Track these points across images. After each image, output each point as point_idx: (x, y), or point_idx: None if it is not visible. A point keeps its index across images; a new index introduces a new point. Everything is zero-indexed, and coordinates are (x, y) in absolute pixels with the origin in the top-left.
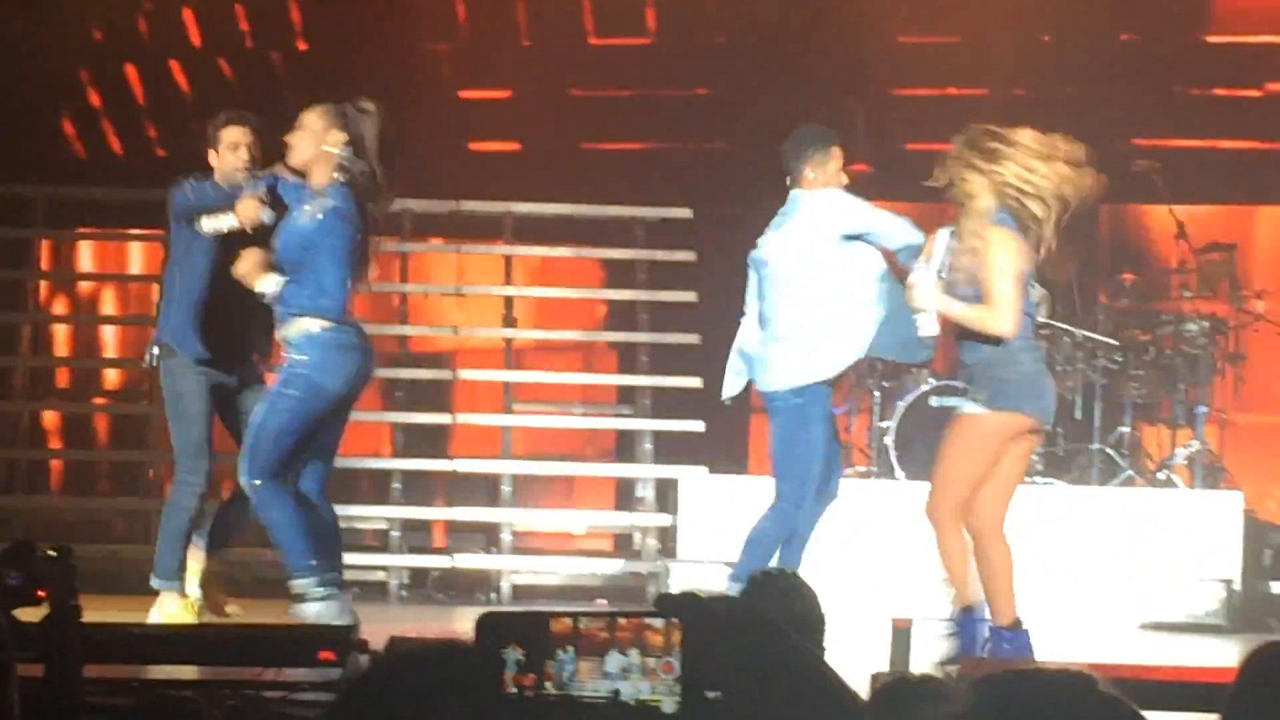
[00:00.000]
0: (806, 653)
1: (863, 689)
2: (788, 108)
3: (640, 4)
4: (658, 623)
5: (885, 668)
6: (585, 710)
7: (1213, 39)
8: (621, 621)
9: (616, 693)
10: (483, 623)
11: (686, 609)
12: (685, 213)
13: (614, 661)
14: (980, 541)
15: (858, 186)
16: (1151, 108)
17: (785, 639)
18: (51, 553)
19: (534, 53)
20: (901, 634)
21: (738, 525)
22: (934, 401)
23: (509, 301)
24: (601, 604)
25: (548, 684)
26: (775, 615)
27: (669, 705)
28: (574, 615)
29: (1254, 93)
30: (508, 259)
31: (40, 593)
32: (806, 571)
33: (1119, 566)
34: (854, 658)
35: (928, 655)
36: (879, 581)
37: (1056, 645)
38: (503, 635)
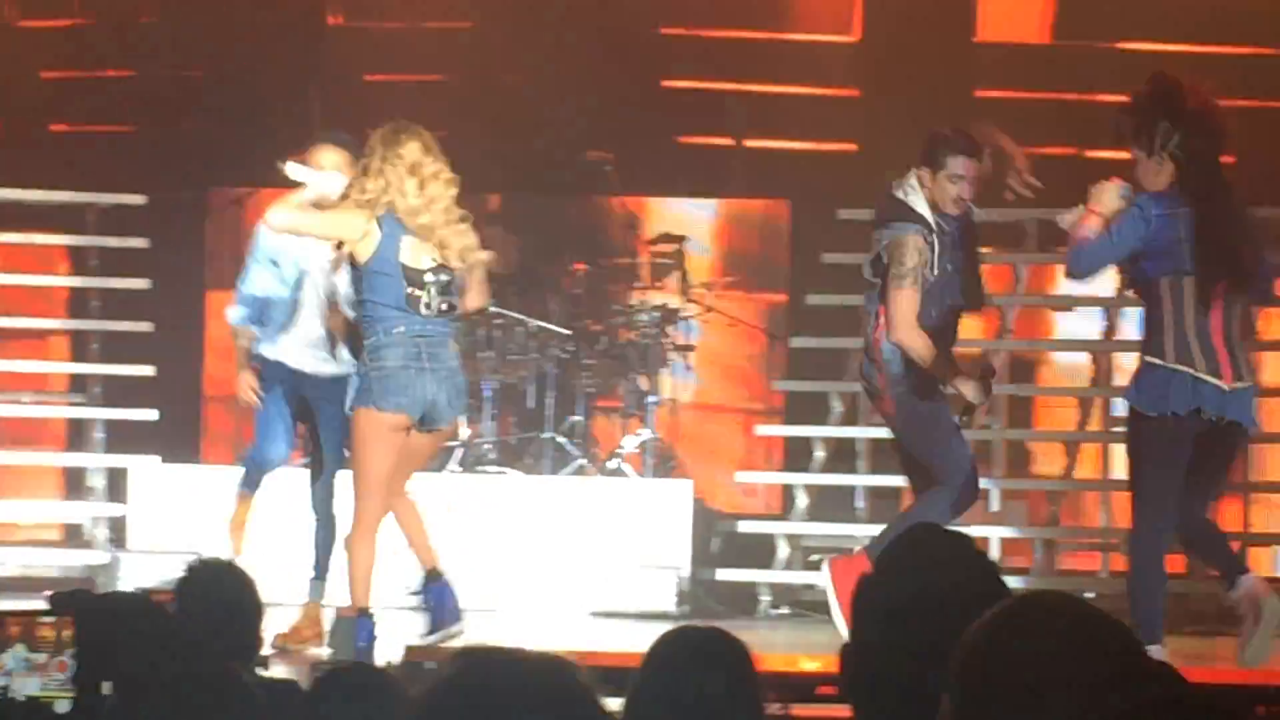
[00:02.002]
0: (192, 642)
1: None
2: (250, 93)
3: None
4: (49, 619)
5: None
6: None
7: (668, 31)
8: (10, 619)
9: (5, 689)
10: None
11: (80, 604)
12: (139, 199)
13: (4, 658)
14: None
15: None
16: (604, 99)
17: (174, 628)
18: None
19: None
20: (344, 622)
21: (190, 515)
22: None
23: None
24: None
25: None
26: (206, 604)
27: (62, 704)
28: None
29: (707, 85)
30: None
31: None
32: (253, 560)
33: (572, 555)
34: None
35: (401, 638)
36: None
37: (512, 633)
38: None
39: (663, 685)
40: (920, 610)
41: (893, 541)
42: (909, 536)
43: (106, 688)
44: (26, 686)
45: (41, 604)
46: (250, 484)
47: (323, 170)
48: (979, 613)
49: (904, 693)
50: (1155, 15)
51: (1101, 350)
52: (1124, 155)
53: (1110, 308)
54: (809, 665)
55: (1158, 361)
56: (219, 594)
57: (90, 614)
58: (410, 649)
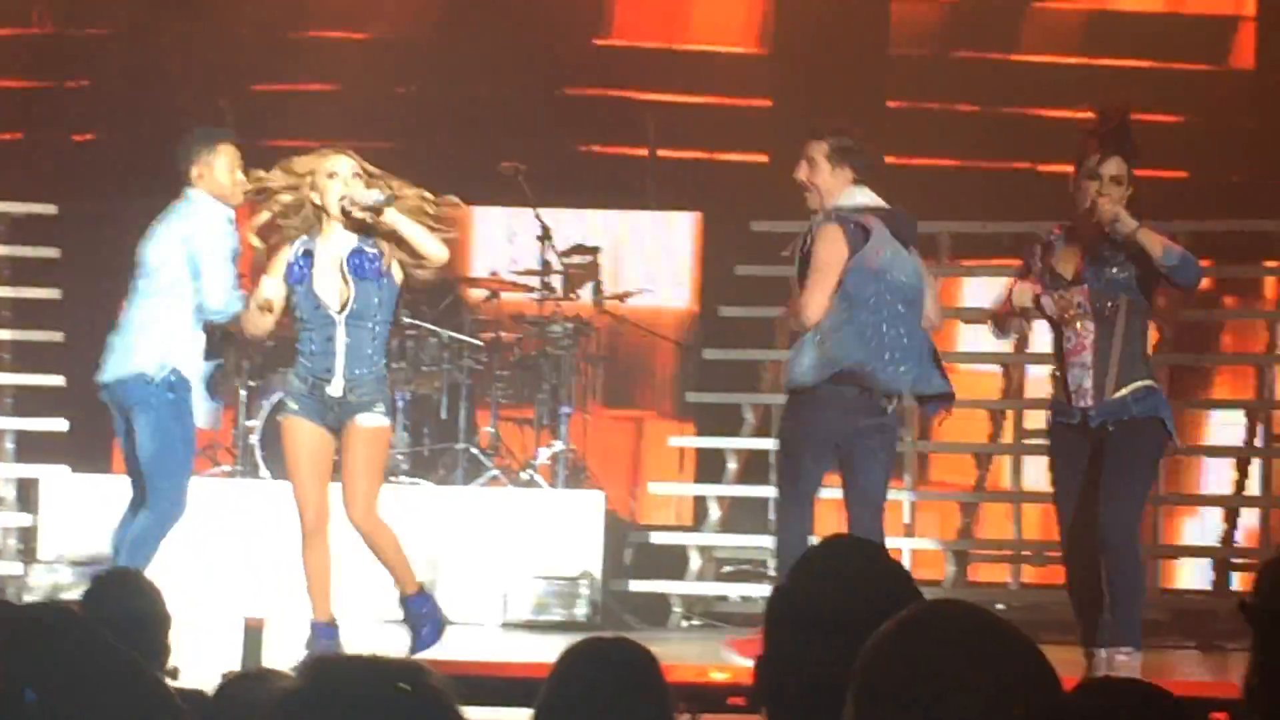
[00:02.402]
0: (113, 649)
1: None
2: (159, 103)
3: None
4: None
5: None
6: None
7: (582, 42)
8: None
9: None
10: None
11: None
12: (50, 208)
13: None
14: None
15: None
16: (517, 110)
17: (101, 642)
18: None
19: None
20: (253, 632)
21: (101, 525)
22: None
23: None
24: None
25: None
26: (114, 614)
27: None
28: None
29: (621, 95)
30: None
31: None
32: (163, 571)
33: (484, 566)
34: (212, 656)
35: (290, 652)
36: (244, 581)
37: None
38: None
39: (570, 696)
40: (832, 620)
41: (806, 552)
42: (822, 547)
43: (29, 694)
44: None
45: None
46: None
47: None
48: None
49: (816, 702)
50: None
51: (1014, 362)
52: (1033, 167)
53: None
54: (719, 676)
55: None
56: (126, 604)
57: (9, 622)
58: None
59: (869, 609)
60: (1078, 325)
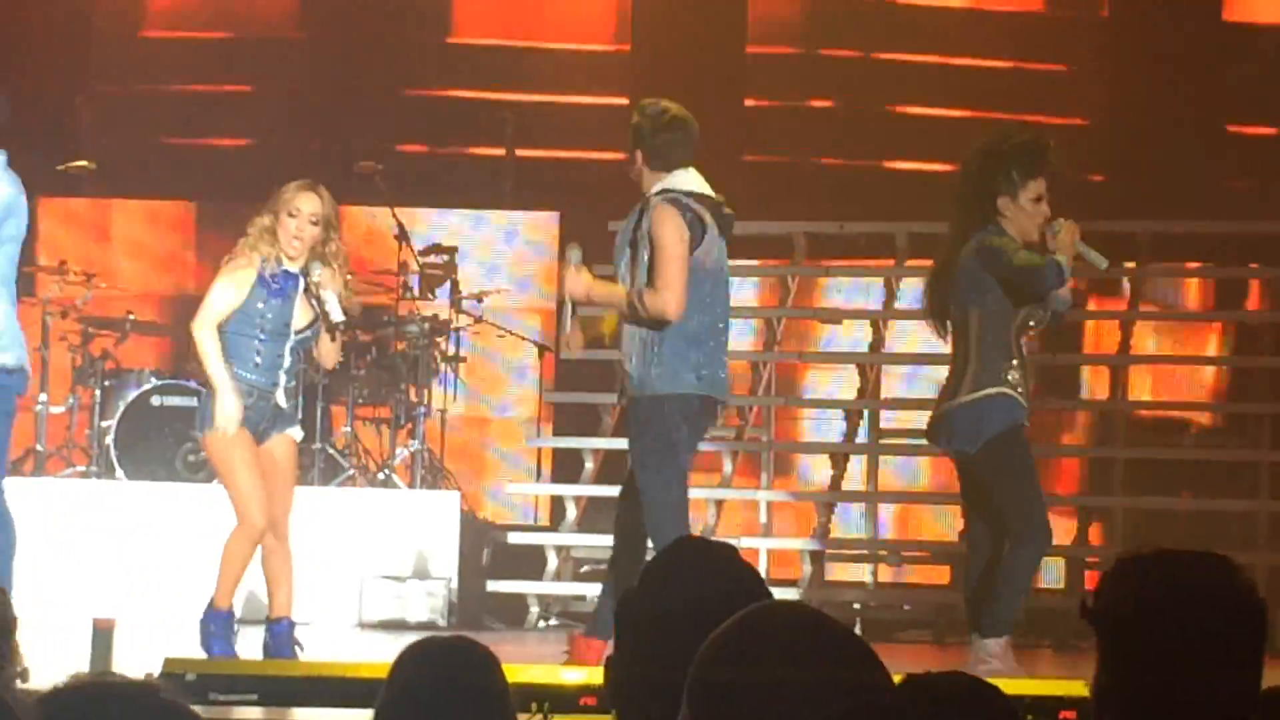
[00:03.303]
0: None
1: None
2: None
3: None
4: None
5: (87, 667)
6: None
7: (441, 40)
8: None
9: None
10: None
11: None
12: None
13: None
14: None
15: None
16: (374, 108)
17: None
18: None
19: None
20: (103, 634)
21: None
22: (155, 400)
23: None
24: None
25: None
26: None
27: None
28: None
29: (479, 95)
30: None
31: None
32: (14, 571)
33: (340, 566)
34: (62, 658)
35: (136, 653)
36: (97, 581)
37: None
38: None
39: (407, 697)
40: (681, 620)
41: (659, 553)
42: (673, 548)
43: None
44: None
45: None
46: None
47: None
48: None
49: (661, 703)
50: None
51: (869, 362)
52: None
53: (878, 320)
54: (573, 676)
55: None
56: None
57: None
58: (169, 660)
59: (713, 610)
60: (1025, 339)
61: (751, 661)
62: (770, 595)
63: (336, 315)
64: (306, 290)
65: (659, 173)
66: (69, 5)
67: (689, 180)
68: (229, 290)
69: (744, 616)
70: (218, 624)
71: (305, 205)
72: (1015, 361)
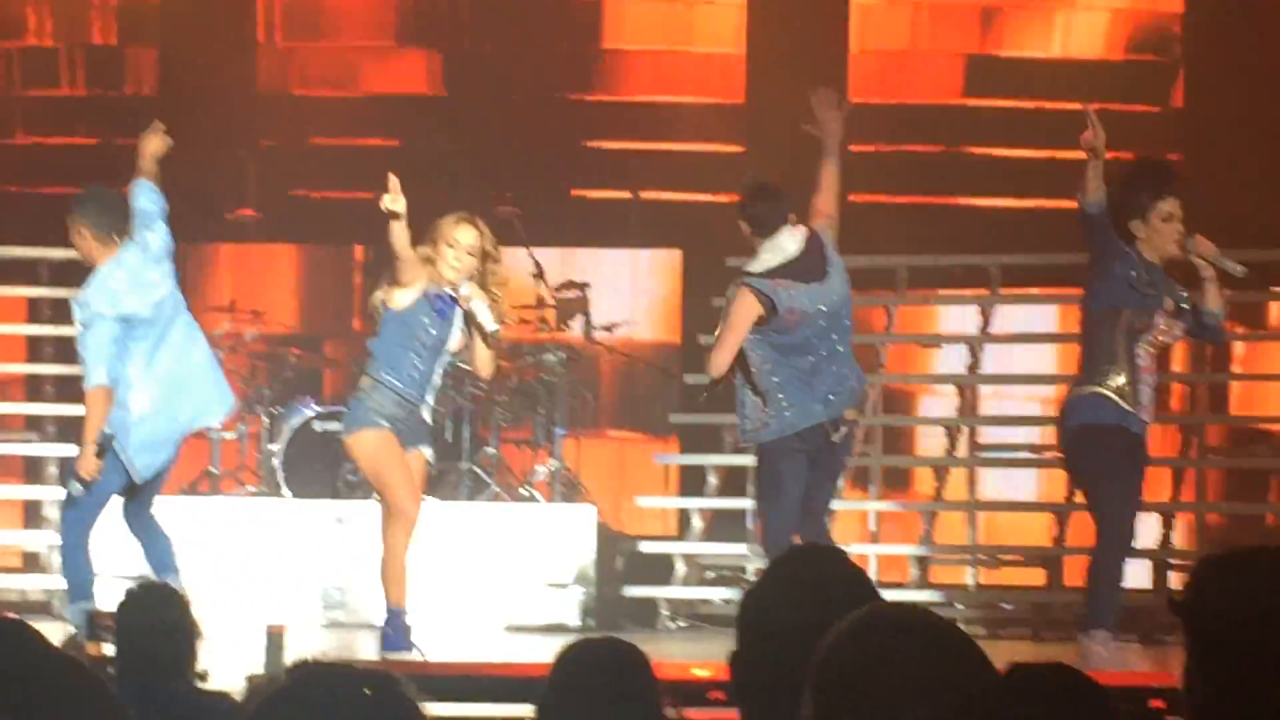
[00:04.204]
0: (69, 663)
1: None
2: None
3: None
4: None
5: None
6: None
7: (574, 96)
8: None
9: None
10: None
11: None
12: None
13: None
14: None
15: (250, 227)
16: (517, 161)
17: (46, 651)
18: None
19: None
20: (275, 638)
21: (136, 542)
22: (317, 426)
23: None
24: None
25: None
26: (147, 623)
27: None
28: None
29: (610, 144)
30: None
31: None
32: (193, 583)
33: (487, 575)
34: (239, 660)
35: (304, 655)
36: (268, 590)
37: (434, 648)
38: None
39: (568, 692)
40: (794, 622)
41: (776, 559)
42: (789, 553)
43: None
44: None
45: None
46: None
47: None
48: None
49: (781, 699)
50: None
51: (966, 383)
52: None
53: (974, 343)
54: (701, 673)
55: None
56: (158, 615)
57: None
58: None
59: (828, 611)
60: (1150, 348)
61: (869, 658)
62: (877, 595)
63: (490, 324)
64: (460, 309)
65: (758, 237)
66: (237, 69)
67: (776, 248)
68: (398, 294)
69: (861, 616)
70: (394, 624)
71: (463, 237)
72: (1121, 366)
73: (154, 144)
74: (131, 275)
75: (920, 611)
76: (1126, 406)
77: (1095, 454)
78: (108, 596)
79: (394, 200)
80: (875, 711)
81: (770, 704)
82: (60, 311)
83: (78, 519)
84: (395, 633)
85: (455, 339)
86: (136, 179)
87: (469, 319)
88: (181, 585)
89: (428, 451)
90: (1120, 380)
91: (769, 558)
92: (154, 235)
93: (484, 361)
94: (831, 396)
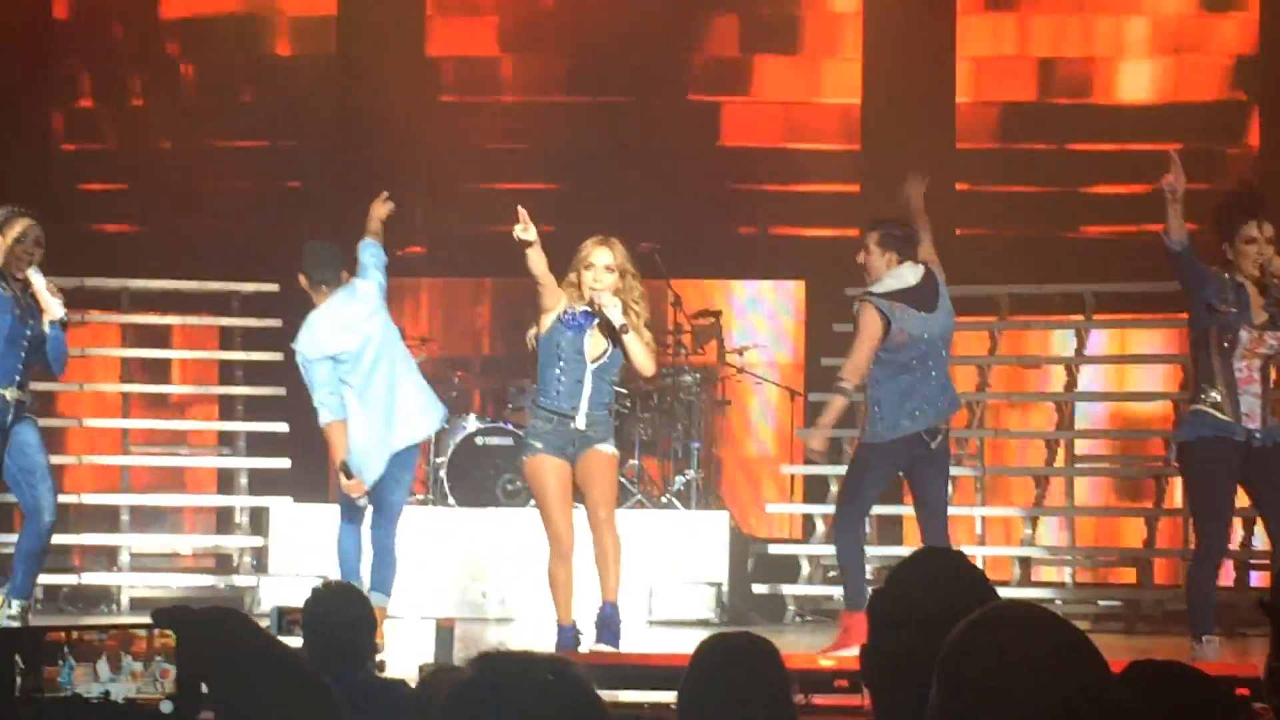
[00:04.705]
0: (286, 654)
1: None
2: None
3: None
4: (142, 632)
5: (431, 659)
6: (86, 709)
7: (723, 144)
8: (111, 632)
9: (107, 693)
10: None
11: (178, 620)
12: (273, 287)
13: (103, 667)
14: None
15: (418, 262)
16: (658, 201)
17: (265, 643)
18: None
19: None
20: (445, 632)
21: (318, 545)
22: (479, 440)
23: (125, 363)
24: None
25: (49, 688)
26: (331, 619)
27: (166, 705)
28: (67, 629)
29: (742, 187)
30: (122, 327)
31: None
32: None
33: (632, 575)
34: (412, 652)
35: (470, 647)
36: (437, 589)
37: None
38: (7, 646)
39: (708, 682)
40: (922, 617)
41: (903, 560)
42: (916, 555)
43: (203, 690)
44: (126, 690)
45: (144, 620)
46: None
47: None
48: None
49: (910, 685)
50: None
51: (1064, 400)
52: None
53: (1070, 365)
54: (826, 663)
55: None
56: (340, 611)
57: (190, 627)
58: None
59: (951, 608)
60: (1248, 360)
61: (993, 650)
62: (995, 593)
63: (617, 319)
64: (600, 323)
65: (893, 261)
66: (415, 124)
67: (899, 276)
68: (543, 319)
69: (986, 612)
70: (564, 638)
71: (599, 258)
72: (1217, 382)
73: (381, 210)
74: (335, 319)
75: (1039, 609)
76: (1225, 419)
77: (1192, 466)
78: (296, 595)
79: (524, 230)
80: (997, 698)
81: (900, 690)
82: (250, 339)
83: (346, 529)
84: (564, 645)
85: (594, 347)
86: (364, 237)
87: (603, 321)
88: (366, 590)
89: (604, 448)
90: (1218, 396)
91: (835, 545)
92: (366, 283)
93: (639, 361)
94: (918, 413)
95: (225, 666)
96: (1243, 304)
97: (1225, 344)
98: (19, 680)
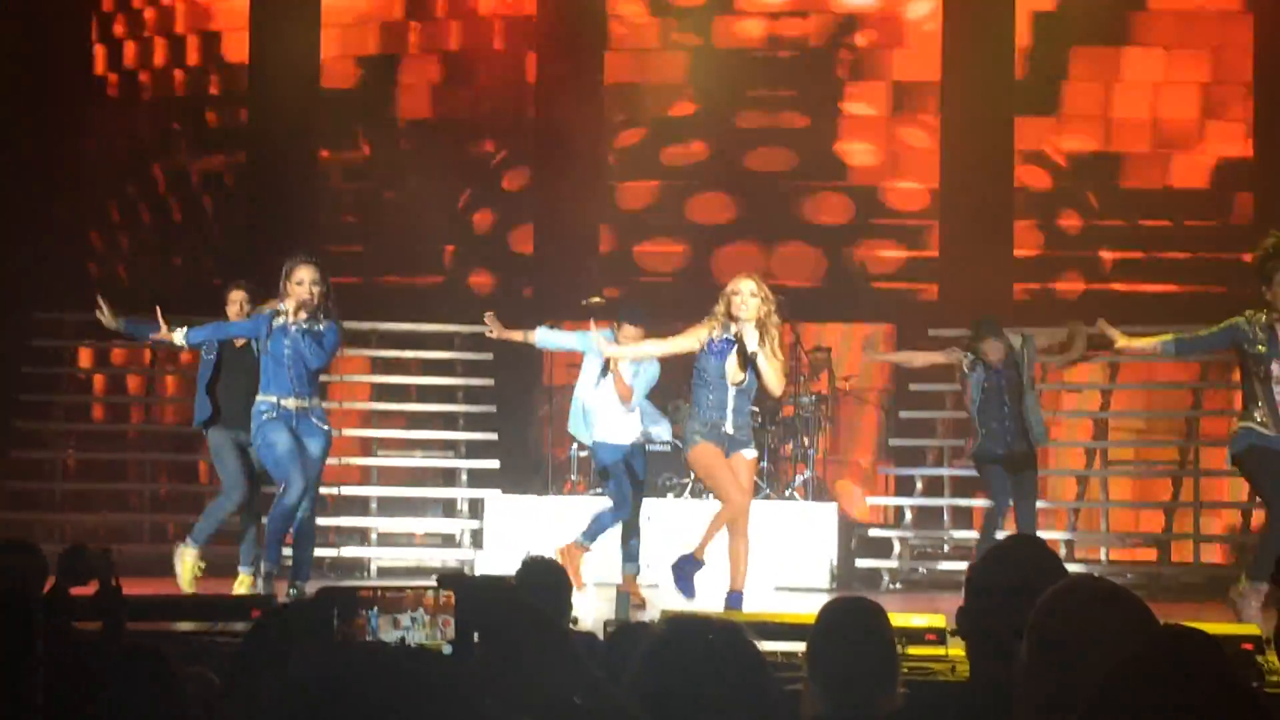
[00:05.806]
0: (537, 610)
1: (599, 629)
2: (568, 260)
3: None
4: (430, 592)
5: (613, 617)
6: (385, 651)
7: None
8: (407, 592)
9: (403, 638)
10: (320, 592)
11: (457, 583)
12: (485, 328)
13: (404, 618)
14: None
15: (598, 311)
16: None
17: (522, 602)
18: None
19: None
20: (623, 596)
21: (524, 526)
22: (646, 447)
23: (372, 388)
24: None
25: (361, 634)
26: (538, 584)
27: (447, 648)
28: (374, 588)
29: (855, 251)
30: (372, 359)
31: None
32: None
33: (763, 552)
34: (598, 610)
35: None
36: (609, 560)
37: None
38: (329, 601)
39: (831, 633)
40: (1009, 586)
41: (995, 544)
42: (1005, 540)
43: (476, 637)
44: (419, 637)
45: (430, 583)
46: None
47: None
48: (1044, 589)
49: (1000, 640)
50: None
51: (1098, 417)
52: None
53: (1104, 391)
54: (918, 621)
55: None
56: (543, 578)
57: (467, 588)
58: (664, 611)
59: (1033, 579)
60: None
61: (1073, 613)
62: (1065, 570)
63: (751, 345)
64: (738, 349)
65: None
66: (593, 200)
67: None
68: (679, 339)
69: (1068, 582)
70: (688, 565)
71: (743, 287)
72: (1259, 404)
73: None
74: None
75: (1106, 581)
76: (1268, 432)
77: (1249, 468)
78: (507, 566)
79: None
80: (1076, 653)
81: (991, 644)
82: (468, 368)
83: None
84: (685, 571)
85: (734, 373)
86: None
87: (740, 348)
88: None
89: (747, 452)
90: (1260, 415)
91: (985, 527)
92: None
93: (769, 382)
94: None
95: (493, 620)
96: (1272, 341)
97: (1262, 375)
98: (337, 625)
